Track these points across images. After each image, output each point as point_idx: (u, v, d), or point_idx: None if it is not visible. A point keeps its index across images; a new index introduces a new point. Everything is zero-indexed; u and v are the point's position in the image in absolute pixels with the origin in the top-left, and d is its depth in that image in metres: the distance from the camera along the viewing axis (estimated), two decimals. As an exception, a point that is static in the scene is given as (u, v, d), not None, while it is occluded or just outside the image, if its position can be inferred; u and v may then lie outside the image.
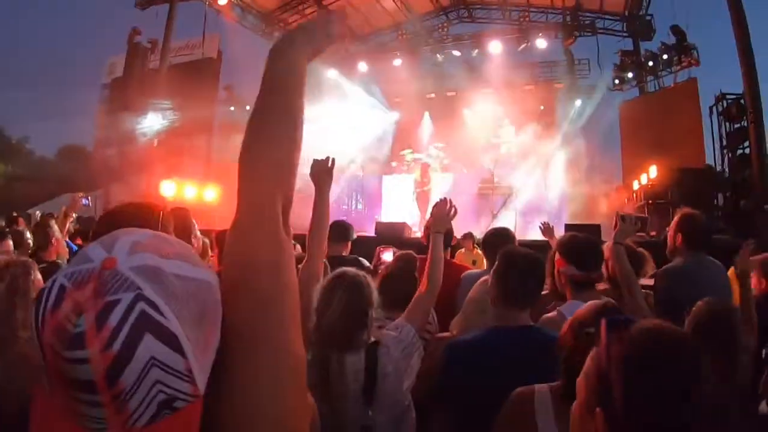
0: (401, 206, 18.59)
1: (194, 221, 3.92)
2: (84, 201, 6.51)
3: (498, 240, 4.25)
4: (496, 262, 2.88)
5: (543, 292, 3.67)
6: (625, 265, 3.39)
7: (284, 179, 1.20)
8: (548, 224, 6.03)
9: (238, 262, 1.09)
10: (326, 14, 1.43)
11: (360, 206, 20.42)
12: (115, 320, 0.80)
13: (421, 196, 17.23)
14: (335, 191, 18.85)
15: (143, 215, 1.92)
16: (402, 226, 13.31)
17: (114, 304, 0.81)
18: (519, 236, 9.89)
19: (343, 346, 2.54)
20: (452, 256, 5.40)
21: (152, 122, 19.15)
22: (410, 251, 4.28)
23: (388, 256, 4.93)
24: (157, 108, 18.99)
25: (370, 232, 14.17)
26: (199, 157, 21.11)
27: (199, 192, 18.61)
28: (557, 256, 3.34)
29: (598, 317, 2.18)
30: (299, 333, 1.08)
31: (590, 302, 2.26)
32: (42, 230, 5.37)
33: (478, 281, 3.52)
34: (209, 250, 6.03)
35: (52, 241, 5.28)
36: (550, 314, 3.17)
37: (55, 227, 5.47)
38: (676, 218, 4.20)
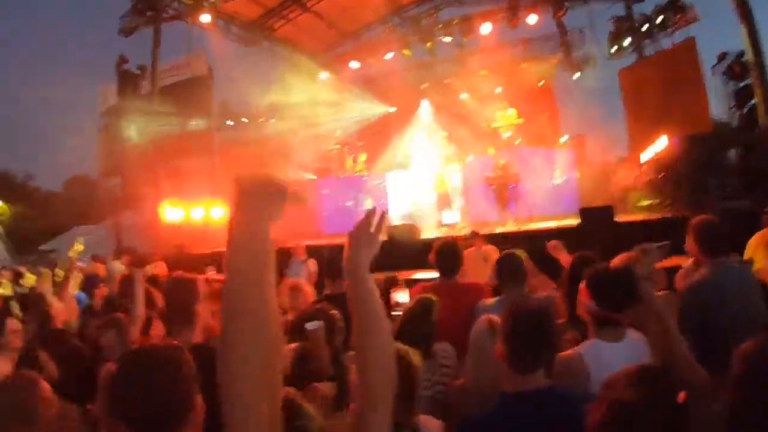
0: (409, 204, 18.33)
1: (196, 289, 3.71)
2: (83, 264, 6.49)
3: (509, 272, 4.20)
4: (503, 324, 2.67)
5: (559, 321, 3.54)
6: (656, 309, 2.66)
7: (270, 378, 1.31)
8: (556, 243, 5.58)
9: None
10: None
11: (368, 204, 19.86)
12: None
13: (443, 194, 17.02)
14: (340, 192, 18.76)
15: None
16: (411, 228, 13.15)
17: None
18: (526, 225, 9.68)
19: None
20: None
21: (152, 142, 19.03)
22: (429, 296, 3.86)
23: (403, 297, 4.72)
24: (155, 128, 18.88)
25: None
26: (203, 176, 21.02)
27: (207, 213, 18.55)
28: (583, 285, 3.07)
29: (633, 387, 1.92)
30: None
31: (621, 370, 2.00)
32: (36, 308, 5.19)
33: (476, 325, 3.28)
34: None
35: (51, 313, 5.14)
36: (567, 354, 2.97)
37: (50, 299, 5.34)
38: (690, 228, 3.96)
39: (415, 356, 2.55)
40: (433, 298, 3.71)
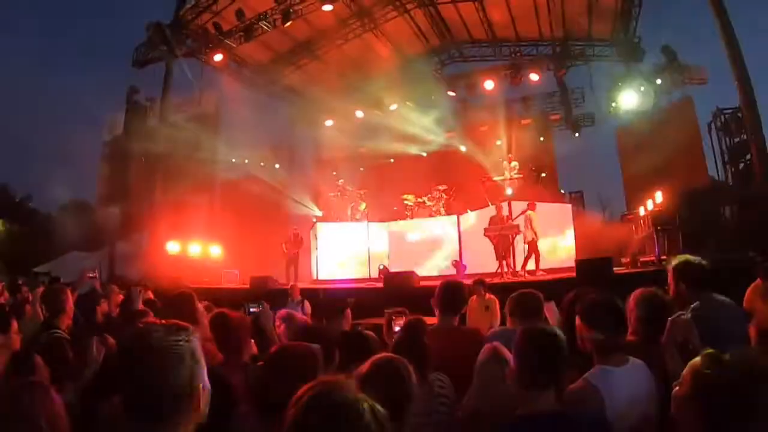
0: (407, 254, 18.26)
1: (198, 306, 3.74)
2: (90, 275, 6.47)
3: (526, 307, 4.15)
4: (516, 342, 2.67)
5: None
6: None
7: None
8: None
9: None
10: None
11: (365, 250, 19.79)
12: None
13: None
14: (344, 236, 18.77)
15: None
16: (410, 275, 13.13)
17: None
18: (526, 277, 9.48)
19: None
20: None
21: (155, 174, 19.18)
22: (419, 317, 4.05)
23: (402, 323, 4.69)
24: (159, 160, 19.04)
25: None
26: (203, 211, 21.08)
27: (204, 249, 18.59)
28: (578, 322, 3.11)
29: None
30: None
31: None
32: (56, 296, 4.92)
33: (485, 348, 3.29)
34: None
35: (67, 308, 4.85)
36: (578, 385, 2.89)
37: (69, 296, 5.21)
38: (671, 269, 4.04)
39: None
40: (421, 318, 3.82)
